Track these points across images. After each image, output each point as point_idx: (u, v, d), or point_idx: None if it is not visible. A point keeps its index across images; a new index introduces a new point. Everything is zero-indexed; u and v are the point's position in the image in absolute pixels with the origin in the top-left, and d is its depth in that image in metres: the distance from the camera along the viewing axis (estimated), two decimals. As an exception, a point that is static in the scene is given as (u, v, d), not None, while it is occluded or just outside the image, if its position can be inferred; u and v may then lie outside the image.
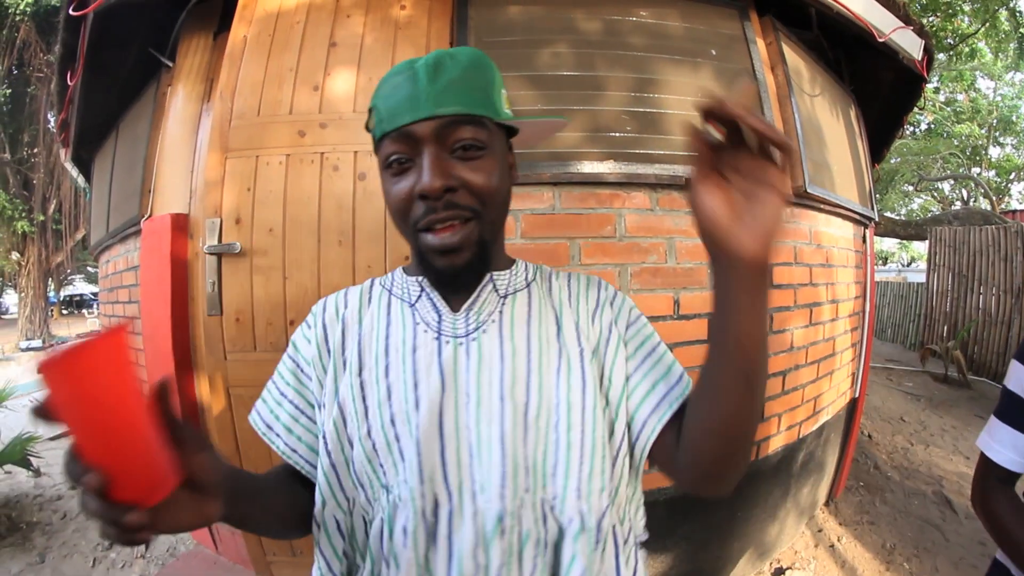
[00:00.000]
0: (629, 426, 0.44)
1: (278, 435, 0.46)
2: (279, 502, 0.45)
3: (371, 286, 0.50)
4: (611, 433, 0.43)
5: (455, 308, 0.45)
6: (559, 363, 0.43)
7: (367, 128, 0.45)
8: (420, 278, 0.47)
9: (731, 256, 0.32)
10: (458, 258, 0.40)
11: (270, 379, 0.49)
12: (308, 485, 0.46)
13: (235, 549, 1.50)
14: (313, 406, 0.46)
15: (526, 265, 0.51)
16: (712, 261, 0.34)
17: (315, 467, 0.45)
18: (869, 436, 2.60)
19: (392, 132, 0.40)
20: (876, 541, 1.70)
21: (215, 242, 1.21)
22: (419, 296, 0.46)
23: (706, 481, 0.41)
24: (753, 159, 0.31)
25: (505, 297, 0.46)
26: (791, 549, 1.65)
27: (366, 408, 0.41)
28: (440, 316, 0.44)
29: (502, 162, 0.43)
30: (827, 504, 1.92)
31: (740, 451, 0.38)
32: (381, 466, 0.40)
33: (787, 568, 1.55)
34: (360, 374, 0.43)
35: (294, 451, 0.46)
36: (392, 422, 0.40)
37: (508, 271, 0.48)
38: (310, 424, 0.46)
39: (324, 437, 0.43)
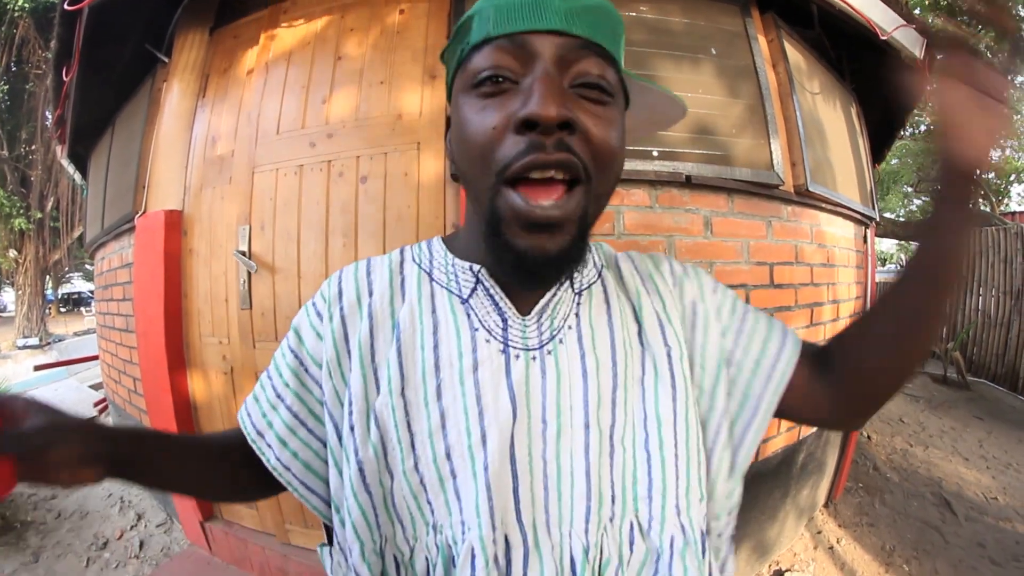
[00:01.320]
0: (741, 407, 0.38)
1: (269, 446, 0.38)
2: (210, 474, 0.40)
3: (402, 263, 0.39)
4: (705, 426, 0.37)
5: (523, 309, 0.36)
6: (643, 371, 0.36)
7: (442, 58, 0.36)
8: (475, 266, 0.37)
9: (954, 157, 0.32)
10: (553, 241, 0.30)
11: (265, 372, 0.41)
12: (257, 465, 0.39)
13: (229, 549, 1.49)
14: (316, 416, 0.38)
15: (592, 247, 0.41)
16: (937, 166, 0.33)
17: (310, 489, 0.39)
18: (868, 437, 2.59)
19: (500, 38, 0.30)
20: (875, 543, 1.69)
21: (244, 247, 1.38)
22: (473, 289, 0.36)
23: (868, 405, 0.40)
24: (990, 70, 0.31)
25: (580, 293, 0.38)
26: (790, 551, 1.64)
27: (412, 436, 0.33)
28: (506, 321, 0.35)
29: (624, 122, 0.34)
30: (826, 506, 1.91)
31: (919, 359, 0.37)
32: (429, 503, 0.33)
33: (786, 570, 1.54)
34: (403, 393, 0.34)
35: (287, 468, 0.38)
36: (448, 456, 0.33)
37: (586, 250, 0.38)
38: (309, 437, 0.38)
39: (360, 466, 0.34)
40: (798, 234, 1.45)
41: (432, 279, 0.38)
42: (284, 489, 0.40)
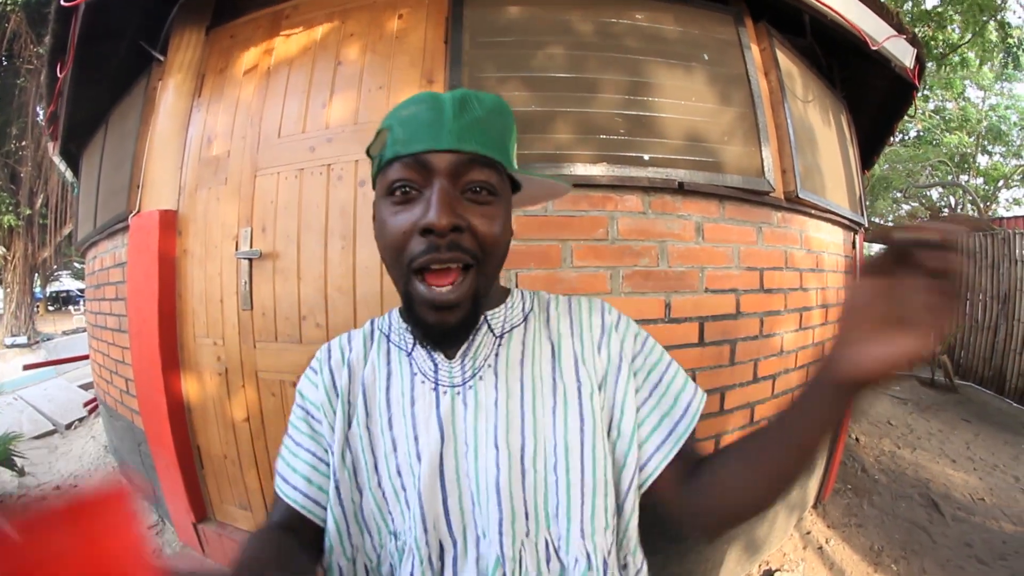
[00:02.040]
0: (641, 447, 0.43)
1: (295, 487, 0.44)
2: (294, 560, 0.42)
3: (372, 331, 0.49)
4: (623, 466, 0.42)
5: (451, 355, 0.43)
6: (554, 402, 0.42)
7: (368, 152, 0.42)
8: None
9: (840, 362, 0.30)
10: (451, 316, 0.38)
11: (285, 434, 0.48)
12: (308, 529, 0.44)
13: (222, 551, 1.49)
14: (328, 451, 0.45)
15: (523, 295, 0.49)
16: (825, 358, 0.32)
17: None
18: (857, 440, 2.63)
19: (406, 157, 0.38)
20: (864, 543, 1.72)
21: (247, 248, 1.38)
22: (414, 344, 0.45)
23: (712, 527, 0.42)
24: (927, 295, 0.27)
25: (501, 336, 0.45)
26: (780, 551, 1.66)
27: (375, 459, 0.42)
28: (436, 365, 0.43)
29: (508, 213, 0.42)
30: (815, 507, 1.94)
31: (760, 512, 0.41)
32: (390, 513, 0.41)
33: (776, 570, 1.56)
34: (367, 425, 0.43)
35: (316, 503, 0.44)
36: (398, 473, 0.41)
37: (503, 306, 0.46)
38: (328, 471, 0.45)
39: (337, 484, 0.42)
40: (788, 240, 1.47)
41: (389, 340, 0.47)
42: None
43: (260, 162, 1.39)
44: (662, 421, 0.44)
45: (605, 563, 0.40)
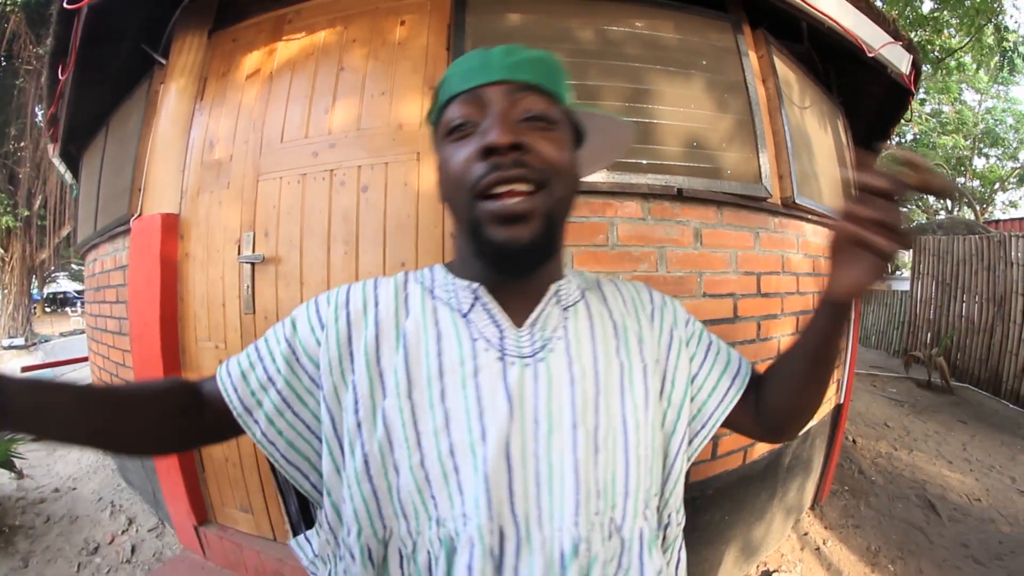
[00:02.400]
0: (694, 419, 0.46)
1: (256, 422, 0.42)
2: (140, 423, 0.39)
3: (406, 283, 0.44)
4: (672, 433, 0.44)
5: (517, 322, 0.41)
6: (621, 381, 0.41)
7: (428, 117, 0.43)
8: (473, 284, 0.42)
9: (830, 288, 0.38)
10: (523, 230, 0.36)
11: (254, 348, 0.44)
12: (209, 416, 0.42)
13: (223, 554, 1.49)
14: (303, 401, 0.41)
15: (572, 273, 0.48)
16: (823, 286, 0.39)
17: (290, 463, 0.42)
18: (854, 441, 2.65)
19: (460, 94, 0.38)
20: (861, 544, 1.73)
21: (249, 252, 1.38)
22: (472, 305, 0.41)
23: (784, 431, 0.48)
24: (888, 230, 0.33)
25: (567, 309, 0.43)
26: (777, 552, 1.67)
27: (418, 435, 0.37)
28: (502, 332, 0.40)
29: (572, 145, 0.41)
30: (812, 508, 1.95)
31: (814, 408, 0.46)
32: (433, 498, 0.36)
33: (774, 571, 1.57)
34: (410, 396, 0.38)
35: (272, 443, 0.42)
36: (451, 452, 0.36)
37: (565, 280, 0.45)
38: (294, 420, 0.42)
39: (366, 459, 0.37)
40: (785, 245, 1.49)
41: (434, 296, 0.42)
42: (226, 438, 0.44)
43: (263, 166, 1.39)
44: (722, 377, 0.47)
45: (653, 534, 0.41)
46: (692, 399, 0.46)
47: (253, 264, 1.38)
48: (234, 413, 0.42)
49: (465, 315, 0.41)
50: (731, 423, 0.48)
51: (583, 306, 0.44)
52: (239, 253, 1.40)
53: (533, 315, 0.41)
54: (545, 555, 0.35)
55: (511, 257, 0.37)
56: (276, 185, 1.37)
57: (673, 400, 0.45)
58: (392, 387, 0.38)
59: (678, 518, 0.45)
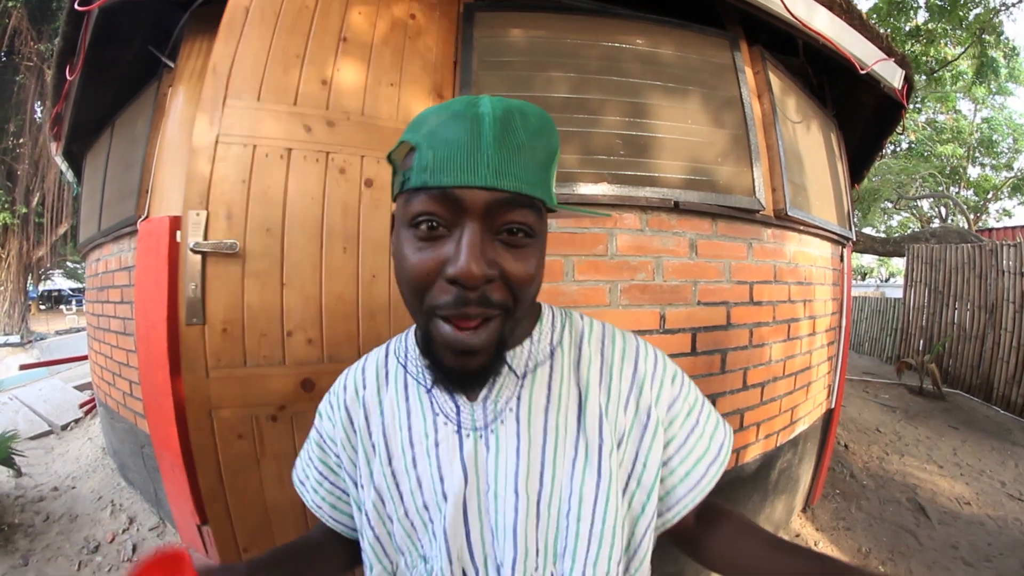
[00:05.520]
0: (661, 499, 0.45)
1: (307, 492, 0.52)
2: (327, 558, 0.51)
3: (386, 358, 0.49)
4: (640, 514, 0.43)
5: (472, 396, 0.43)
6: (575, 454, 0.42)
7: (390, 159, 0.38)
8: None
9: None
10: (473, 361, 0.36)
11: (307, 438, 0.54)
12: (343, 538, 0.52)
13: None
14: (335, 472, 0.50)
15: (553, 319, 0.46)
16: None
17: (339, 522, 0.51)
18: (845, 446, 2.68)
19: (434, 189, 0.33)
20: (852, 546, 1.76)
21: (200, 238, 1.02)
22: (435, 382, 0.42)
23: (719, 569, 0.46)
24: None
25: (524, 376, 0.44)
26: (769, 555, 1.70)
27: (400, 494, 0.44)
28: (458, 406, 0.43)
29: (543, 251, 0.38)
30: (804, 511, 1.98)
31: None
32: (419, 540, 0.44)
33: (765, 573, 1.60)
34: (391, 463, 0.45)
35: (319, 507, 0.51)
36: (425, 507, 0.43)
37: (528, 340, 0.44)
38: (332, 488, 0.51)
39: (367, 514, 0.45)
40: (777, 255, 1.53)
41: (407, 371, 0.47)
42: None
43: (225, 126, 1.06)
44: (697, 464, 0.45)
45: None
46: (663, 481, 0.45)
47: (204, 255, 1.04)
48: (296, 488, 0.53)
49: (429, 391, 0.45)
50: (679, 525, 0.46)
51: (544, 371, 0.44)
52: (174, 237, 1.06)
53: (485, 391, 0.43)
54: None
55: (457, 381, 0.38)
56: (245, 154, 1.07)
57: (643, 482, 0.43)
58: (378, 455, 0.45)
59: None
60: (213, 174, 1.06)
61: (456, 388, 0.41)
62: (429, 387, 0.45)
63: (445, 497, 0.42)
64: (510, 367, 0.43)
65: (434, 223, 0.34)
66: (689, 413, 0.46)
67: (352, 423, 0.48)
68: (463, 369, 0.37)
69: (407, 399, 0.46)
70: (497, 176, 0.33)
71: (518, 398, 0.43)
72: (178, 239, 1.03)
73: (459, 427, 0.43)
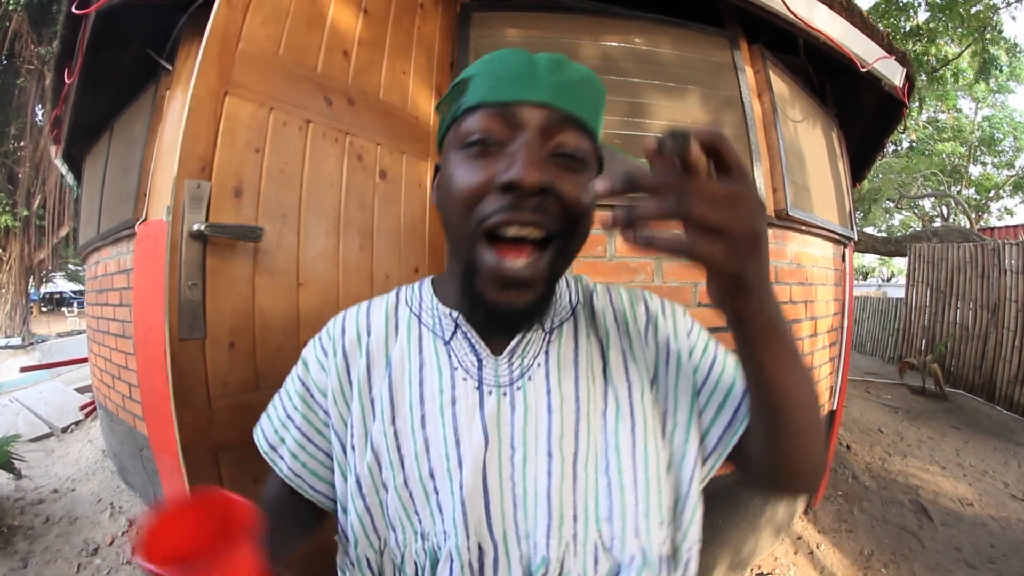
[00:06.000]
0: (703, 439, 0.41)
1: (282, 457, 0.44)
2: (291, 527, 0.45)
3: (397, 306, 0.44)
4: (683, 456, 0.40)
5: (495, 350, 0.40)
6: (606, 404, 0.39)
7: (439, 107, 0.38)
8: (454, 312, 0.41)
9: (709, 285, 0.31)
10: (522, 297, 0.34)
11: (276, 394, 0.47)
12: (304, 498, 0.45)
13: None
14: (322, 433, 0.44)
15: (567, 282, 0.45)
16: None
17: (317, 491, 0.44)
18: (848, 447, 2.67)
19: (491, 105, 0.34)
20: (854, 548, 1.75)
21: (202, 220, 0.72)
22: (454, 333, 0.41)
23: (779, 486, 0.42)
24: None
25: (551, 332, 0.41)
26: (771, 556, 1.69)
27: (402, 458, 0.39)
28: (481, 361, 0.39)
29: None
30: (806, 512, 1.97)
31: (801, 465, 0.36)
32: (417, 514, 0.38)
33: (767, 574, 1.59)
34: (394, 422, 0.39)
35: (298, 476, 0.44)
36: (431, 475, 0.38)
37: (555, 296, 0.43)
38: (316, 451, 0.44)
39: (358, 479, 0.40)
40: (778, 255, 1.52)
41: (420, 322, 0.43)
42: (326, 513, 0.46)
43: (238, 75, 0.80)
44: (724, 405, 0.40)
45: (660, 557, 0.38)
46: (700, 417, 0.41)
47: (205, 244, 0.75)
48: (261, 452, 0.45)
49: (447, 343, 0.41)
50: (733, 459, 0.41)
51: (570, 327, 0.42)
52: (169, 215, 0.72)
53: (512, 343, 0.40)
54: (523, 567, 0.36)
55: (501, 319, 0.36)
56: (261, 116, 0.83)
57: (679, 420, 0.40)
58: (379, 413, 0.40)
59: (687, 548, 0.40)
60: (219, 135, 0.77)
61: (498, 329, 0.38)
62: (447, 339, 0.40)
63: (460, 463, 0.37)
64: (539, 322, 0.41)
65: (488, 139, 0.34)
66: (706, 348, 0.43)
67: (349, 373, 0.42)
68: (508, 305, 0.34)
69: (420, 351, 0.41)
70: (554, 95, 0.34)
71: (546, 353, 0.40)
72: (166, 218, 0.73)
73: (480, 383, 0.39)
